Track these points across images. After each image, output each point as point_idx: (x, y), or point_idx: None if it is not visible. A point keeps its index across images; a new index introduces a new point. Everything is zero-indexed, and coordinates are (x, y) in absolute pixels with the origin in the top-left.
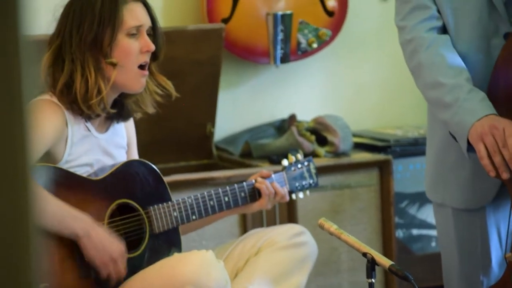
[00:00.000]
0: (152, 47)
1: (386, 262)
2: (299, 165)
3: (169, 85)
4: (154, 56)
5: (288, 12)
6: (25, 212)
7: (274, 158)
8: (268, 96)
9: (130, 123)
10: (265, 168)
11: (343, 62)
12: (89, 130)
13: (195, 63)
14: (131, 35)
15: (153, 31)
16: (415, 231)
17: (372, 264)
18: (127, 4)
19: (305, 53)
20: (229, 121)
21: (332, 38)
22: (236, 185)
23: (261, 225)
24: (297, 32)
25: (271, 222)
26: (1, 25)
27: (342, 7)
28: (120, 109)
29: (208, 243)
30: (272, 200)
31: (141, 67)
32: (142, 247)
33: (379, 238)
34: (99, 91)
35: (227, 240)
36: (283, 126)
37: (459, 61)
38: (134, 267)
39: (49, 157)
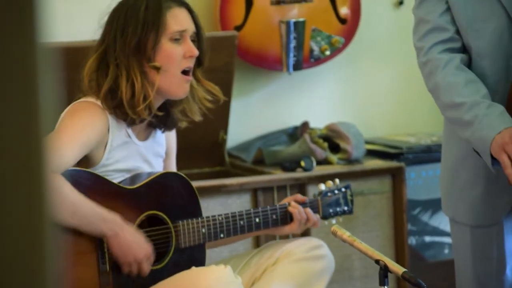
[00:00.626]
0: (196, 52)
1: (399, 269)
2: (336, 191)
3: (216, 89)
4: (199, 62)
5: (301, 19)
6: (41, 215)
7: (287, 165)
8: (280, 103)
9: (172, 132)
10: (278, 174)
11: (356, 69)
12: (129, 136)
13: (208, 70)
14: (174, 40)
15: (197, 37)
16: (427, 238)
17: (385, 271)
18: (171, 9)
19: (318, 60)
20: (242, 128)
21: (345, 45)
22: (268, 207)
23: (274, 238)
24: (310, 40)
25: (284, 235)
26: (17, 32)
27: (354, 15)
28: (165, 118)
29: (221, 251)
30: (303, 226)
31: (185, 72)
32: (166, 260)
33: (392, 245)
34: (146, 96)
35: (240, 249)
36: (295, 133)
37: (475, 79)
38: (156, 279)
39: (87, 159)
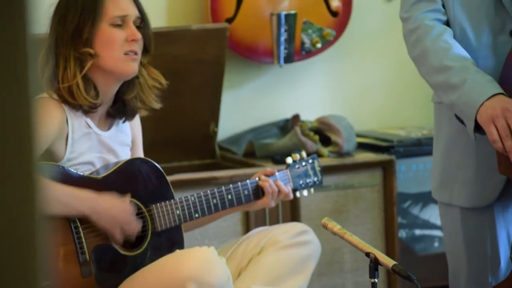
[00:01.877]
0: (138, 36)
1: (389, 262)
2: (303, 163)
3: (159, 75)
4: (145, 49)
5: (292, 12)
6: (32, 206)
7: (278, 158)
8: (271, 96)
9: (136, 121)
10: (269, 167)
11: (347, 62)
12: (90, 127)
13: (198, 62)
14: (116, 25)
15: (142, 23)
16: (418, 231)
17: (375, 264)
18: None
19: (309, 53)
20: (233, 120)
21: (336, 38)
22: (239, 183)
23: (264, 224)
24: (301, 32)
25: (274, 222)
26: (10, 24)
27: (346, 7)
28: (122, 107)
29: (211, 242)
30: (276, 198)
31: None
32: (144, 245)
33: (382, 238)
34: (74, 77)
35: (230, 239)
36: (286, 126)
37: (463, 50)
38: (136, 265)
39: (50, 155)
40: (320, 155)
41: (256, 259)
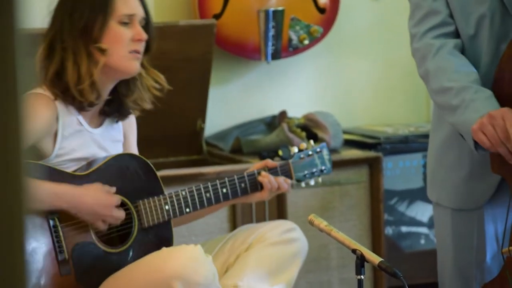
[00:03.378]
0: (145, 36)
1: (375, 258)
2: (310, 152)
3: (161, 78)
4: (147, 49)
5: (280, 8)
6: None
7: (265, 154)
8: (259, 92)
9: (131, 118)
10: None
11: (334, 59)
12: (81, 124)
13: (186, 58)
14: (123, 23)
15: (146, 23)
16: (404, 228)
17: (361, 261)
18: None
19: (296, 49)
20: (220, 117)
21: (323, 35)
22: (235, 176)
23: (251, 221)
24: (288, 29)
25: (261, 219)
26: None
27: (333, 4)
28: (117, 106)
29: (198, 239)
30: (274, 193)
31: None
32: (130, 242)
33: (369, 235)
34: (90, 75)
35: (216, 236)
36: (273, 122)
37: (466, 64)
38: (120, 262)
39: (36, 152)
40: None
41: (243, 255)
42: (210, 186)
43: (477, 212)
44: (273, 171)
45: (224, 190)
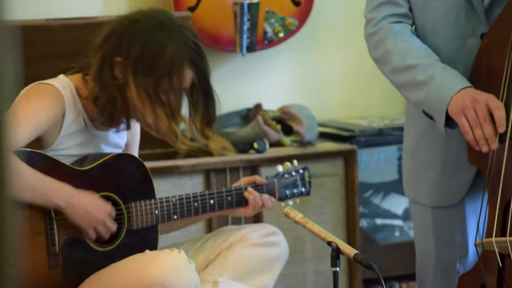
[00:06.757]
0: None
1: (350, 251)
2: (293, 173)
3: (227, 145)
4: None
5: (255, 1)
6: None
7: (240, 147)
8: (234, 85)
9: (137, 126)
10: (230, 157)
11: (309, 52)
12: (86, 124)
13: None
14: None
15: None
16: (379, 221)
17: (336, 253)
18: (187, 66)
19: (271, 42)
20: None
21: (298, 28)
22: (224, 189)
23: (227, 222)
24: (263, 21)
25: (236, 220)
26: None
27: None
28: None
29: (176, 239)
30: (257, 210)
31: None
32: (117, 243)
33: (343, 227)
34: (144, 107)
35: (193, 234)
36: (248, 115)
37: (426, 47)
38: (106, 260)
39: (38, 141)
40: (282, 145)
41: (224, 252)
42: (199, 196)
43: (458, 207)
44: (259, 188)
45: (212, 202)
